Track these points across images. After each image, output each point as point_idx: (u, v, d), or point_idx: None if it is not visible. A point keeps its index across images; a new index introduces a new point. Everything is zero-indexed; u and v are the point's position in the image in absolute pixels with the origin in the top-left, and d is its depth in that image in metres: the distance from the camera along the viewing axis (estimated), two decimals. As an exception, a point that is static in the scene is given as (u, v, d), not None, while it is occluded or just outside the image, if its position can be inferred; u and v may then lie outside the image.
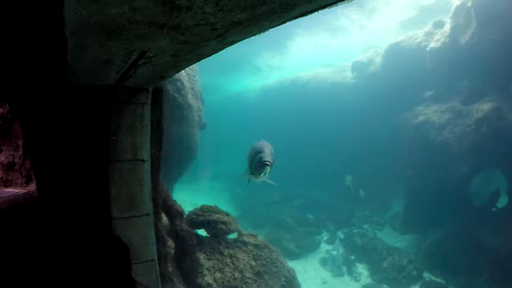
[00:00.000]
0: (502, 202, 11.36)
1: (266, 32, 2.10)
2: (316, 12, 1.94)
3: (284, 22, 1.97)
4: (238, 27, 1.92)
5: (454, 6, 13.13)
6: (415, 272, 11.98)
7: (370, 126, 17.03)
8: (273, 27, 2.04)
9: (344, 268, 13.37)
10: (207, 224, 7.74)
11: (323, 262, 14.09)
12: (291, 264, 12.92)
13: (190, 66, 3.27)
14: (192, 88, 11.57)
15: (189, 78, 11.26)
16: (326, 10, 1.95)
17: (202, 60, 2.52)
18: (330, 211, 17.37)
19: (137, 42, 2.05)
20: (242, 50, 22.40)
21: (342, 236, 15.53)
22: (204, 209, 8.05)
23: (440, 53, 13.40)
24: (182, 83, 10.55)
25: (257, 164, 5.86)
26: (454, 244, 11.68)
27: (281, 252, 13.63)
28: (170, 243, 6.39)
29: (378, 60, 17.47)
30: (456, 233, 11.83)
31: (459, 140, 11.93)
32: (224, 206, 18.86)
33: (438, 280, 11.52)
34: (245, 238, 8.09)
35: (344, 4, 1.81)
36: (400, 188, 14.89)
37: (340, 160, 18.27)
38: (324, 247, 15.35)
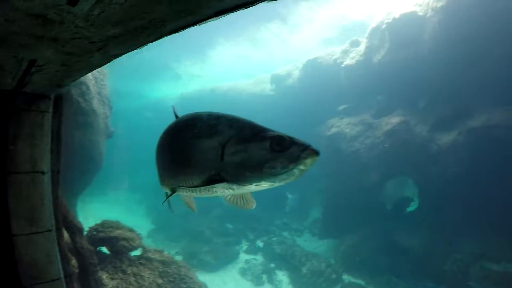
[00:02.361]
0: (414, 205, 12.46)
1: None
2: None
3: (161, 37, 2.07)
4: (116, 41, 2.05)
5: (370, 27, 14.39)
6: (334, 275, 12.42)
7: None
8: (151, 41, 2.12)
9: (264, 277, 13.35)
10: (108, 241, 7.20)
11: (243, 272, 13.92)
12: (210, 277, 12.60)
13: (98, 69, 3.23)
14: (99, 93, 10.70)
15: (96, 82, 10.38)
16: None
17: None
18: (249, 220, 17.40)
19: (23, 51, 2.16)
20: (162, 56, 21.62)
21: (261, 244, 15.58)
22: (105, 225, 7.47)
23: (354, 70, 14.46)
24: (88, 87, 9.67)
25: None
26: (370, 246, 12.44)
27: (199, 265, 13.40)
28: (74, 261, 5.73)
29: (296, 73, 18.25)
30: (371, 236, 12.64)
31: (369, 151, 12.90)
32: (139, 218, 17.84)
33: (358, 281, 12.09)
34: (150, 255, 7.64)
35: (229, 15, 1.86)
36: (318, 196, 15.55)
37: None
38: (244, 257, 15.21)
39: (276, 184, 2.24)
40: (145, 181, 21.31)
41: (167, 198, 2.94)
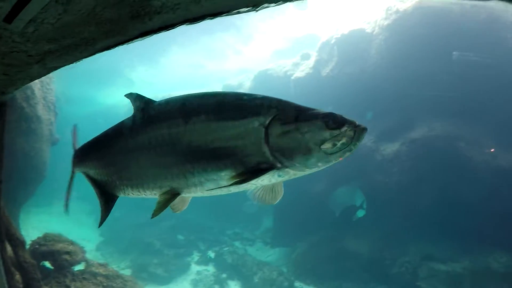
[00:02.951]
0: (361, 212, 12.94)
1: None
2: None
3: (94, 53, 2.27)
4: (52, 55, 2.24)
5: (320, 41, 14.94)
6: (286, 283, 12.48)
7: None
8: (86, 57, 2.31)
9: (216, 287, 13.16)
10: (50, 255, 6.92)
11: (195, 284, 13.62)
12: (160, 290, 12.24)
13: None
14: (44, 98, 10.18)
15: (41, 86, 9.87)
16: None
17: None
18: (201, 231, 17.14)
19: (-34, 61, 2.28)
20: (115, 61, 20.96)
21: (212, 255, 15.37)
22: (47, 238, 7.18)
23: (303, 82, 14.91)
24: (33, 91, 9.19)
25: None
26: (320, 253, 12.73)
27: (149, 278, 12.94)
28: (18, 276, 5.34)
29: (248, 84, 18.43)
30: (321, 243, 12.96)
31: None
32: (88, 231, 16.92)
33: (309, 287, 12.27)
34: (93, 269, 7.38)
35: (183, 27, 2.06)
36: (269, 205, 15.67)
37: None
38: (195, 268, 14.90)
39: (332, 163, 2.04)
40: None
41: (161, 208, 2.23)
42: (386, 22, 12.23)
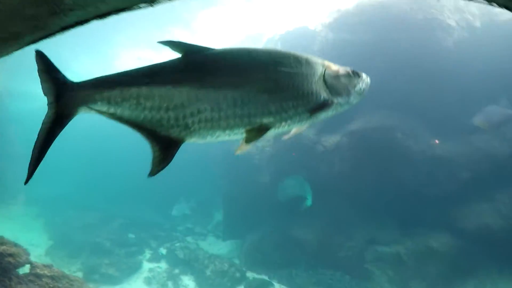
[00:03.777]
0: (307, 202, 13.46)
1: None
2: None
3: (24, 47, 2.43)
4: None
5: (266, 38, 15.20)
6: (238, 274, 12.81)
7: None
8: (16, 50, 2.47)
9: (170, 283, 13.18)
10: None
11: (148, 282, 13.55)
12: (113, 290, 12.03)
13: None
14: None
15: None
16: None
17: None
18: (152, 228, 16.97)
19: None
20: (60, 54, 19.86)
21: (164, 252, 15.31)
22: None
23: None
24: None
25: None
26: (270, 242, 13.18)
27: (101, 280, 12.69)
28: None
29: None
30: (271, 233, 13.40)
31: (260, 153, 13.70)
32: (36, 235, 16.13)
33: (261, 276, 12.68)
34: (38, 270, 7.15)
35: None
36: (219, 198, 15.87)
37: (161, 176, 18.04)
38: (147, 265, 14.79)
39: (359, 100, 2.92)
40: (44, 193, 19.25)
41: (249, 142, 2.53)
42: (328, 20, 12.74)
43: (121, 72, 2.49)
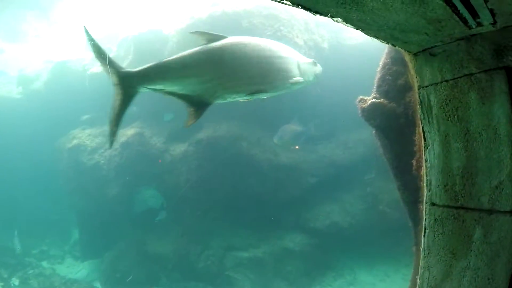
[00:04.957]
0: (162, 214, 12.98)
1: None
2: None
3: None
4: None
5: (120, 37, 14.33)
6: (98, 299, 11.87)
7: (34, 150, 15.45)
8: None
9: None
10: None
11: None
12: None
13: None
14: None
15: None
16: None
17: None
18: (2, 254, 14.62)
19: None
20: None
21: (17, 282, 13.43)
22: None
23: (99, 78, 13.81)
24: None
25: None
26: (127, 259, 12.28)
27: None
28: None
29: (44, 76, 16.19)
30: (127, 249, 12.50)
31: (108, 163, 12.75)
32: None
33: None
34: None
35: None
36: (73, 215, 14.47)
37: (0, 189, 15.73)
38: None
39: (315, 80, 4.86)
40: None
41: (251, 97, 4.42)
42: (179, 26, 12.26)
43: (165, 61, 4.17)
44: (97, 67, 14.15)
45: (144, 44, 12.94)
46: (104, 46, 13.55)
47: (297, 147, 11.97)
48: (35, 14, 18.83)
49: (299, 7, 1.94)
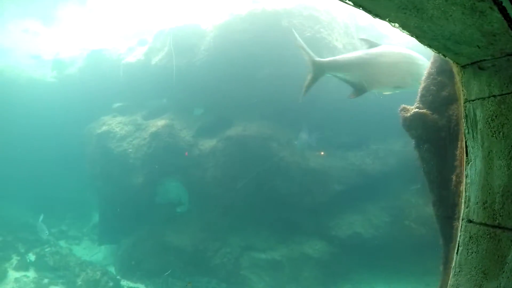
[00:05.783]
0: (183, 207, 13.01)
1: None
2: None
3: None
4: None
5: (157, 29, 14.19)
6: (111, 283, 11.89)
7: (64, 132, 15.74)
8: None
9: (37, 295, 11.84)
10: None
11: (15, 293, 11.99)
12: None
13: None
14: None
15: None
16: None
17: None
18: (20, 230, 15.00)
19: None
20: None
21: (33, 258, 13.72)
22: None
23: (133, 69, 14.02)
24: None
25: None
26: (144, 248, 12.43)
27: None
28: None
29: (80, 62, 16.51)
30: (145, 238, 12.64)
31: (135, 152, 12.85)
32: None
33: (137, 285, 11.94)
34: None
35: None
36: (95, 199, 14.70)
37: (28, 168, 16.17)
38: (13, 275, 13.05)
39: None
40: None
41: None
42: (218, 22, 12.23)
43: (341, 58, 6.24)
44: (131, 57, 14.39)
45: (181, 37, 12.95)
46: (140, 37, 13.74)
47: (322, 153, 11.79)
48: (72, 0, 19.26)
49: (361, 8, 2.00)
